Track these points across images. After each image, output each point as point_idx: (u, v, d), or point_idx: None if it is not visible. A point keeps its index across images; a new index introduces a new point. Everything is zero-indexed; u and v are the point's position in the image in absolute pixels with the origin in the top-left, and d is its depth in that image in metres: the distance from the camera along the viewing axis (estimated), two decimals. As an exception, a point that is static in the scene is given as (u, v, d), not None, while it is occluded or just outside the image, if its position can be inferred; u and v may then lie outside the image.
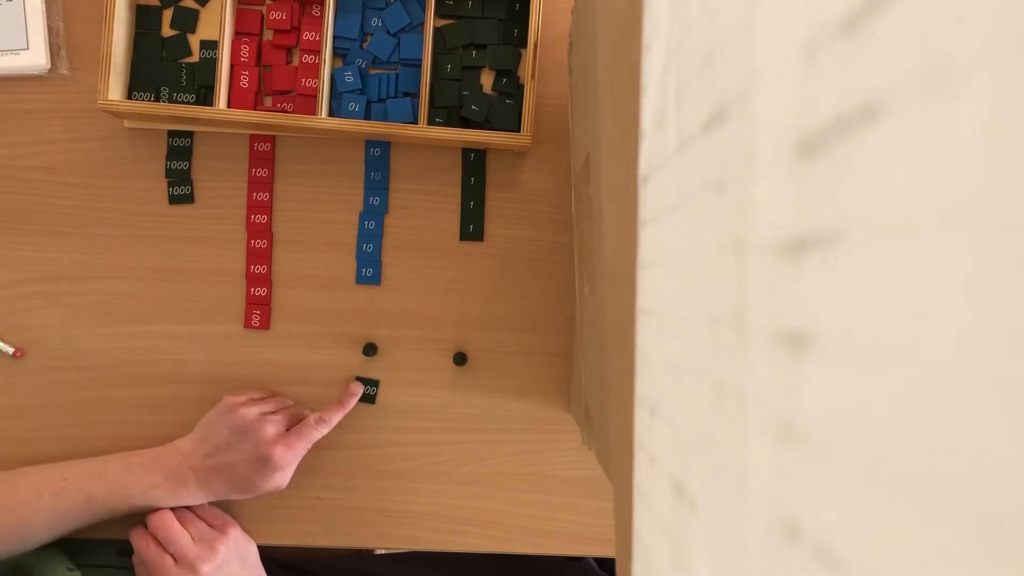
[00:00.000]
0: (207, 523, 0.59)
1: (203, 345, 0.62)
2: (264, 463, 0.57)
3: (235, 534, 0.59)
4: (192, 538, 0.57)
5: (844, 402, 0.12)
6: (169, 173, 0.61)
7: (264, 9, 0.61)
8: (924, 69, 0.10)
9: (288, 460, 0.57)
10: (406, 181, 0.63)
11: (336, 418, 0.60)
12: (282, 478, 0.58)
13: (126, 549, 0.62)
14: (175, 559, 0.56)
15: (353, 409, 0.63)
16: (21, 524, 0.55)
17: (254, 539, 0.61)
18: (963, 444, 0.09)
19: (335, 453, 0.63)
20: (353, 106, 0.59)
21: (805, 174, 0.13)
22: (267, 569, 0.62)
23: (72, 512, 0.56)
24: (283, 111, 0.60)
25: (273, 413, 0.59)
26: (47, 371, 0.61)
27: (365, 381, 0.62)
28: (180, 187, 0.62)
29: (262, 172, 0.62)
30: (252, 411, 0.58)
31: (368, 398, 0.63)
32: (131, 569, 0.61)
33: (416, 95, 0.60)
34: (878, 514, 0.11)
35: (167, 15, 0.61)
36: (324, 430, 0.59)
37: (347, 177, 0.62)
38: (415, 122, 0.59)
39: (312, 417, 0.59)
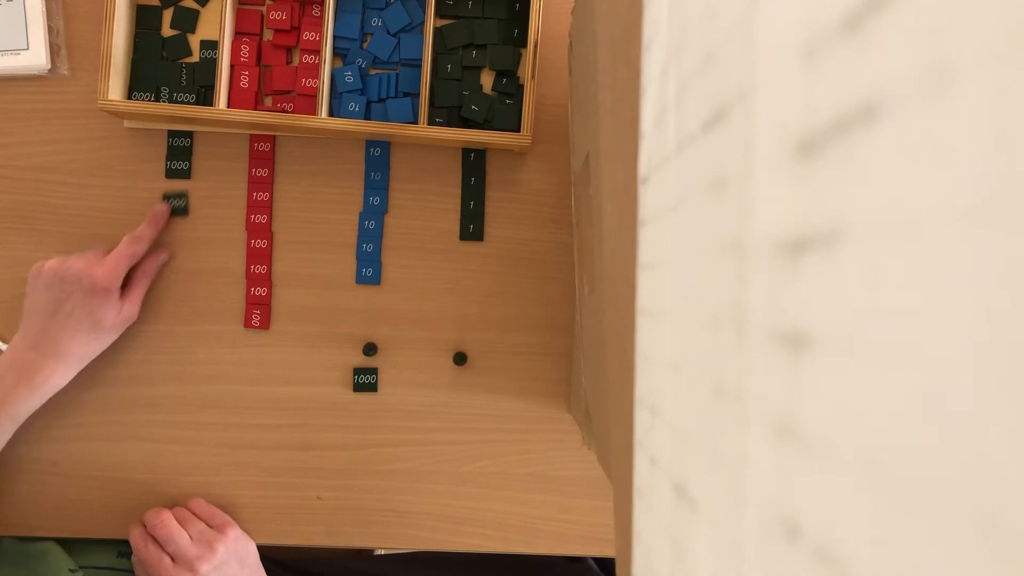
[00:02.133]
0: (206, 523, 0.59)
1: (203, 345, 0.62)
2: (92, 292, 0.55)
3: (234, 533, 0.59)
4: (191, 537, 0.57)
5: (844, 402, 0.12)
6: (169, 173, 0.61)
7: (264, 9, 0.61)
8: (924, 69, 0.10)
9: (113, 278, 0.56)
10: (406, 181, 0.63)
11: (148, 233, 0.59)
12: (124, 305, 0.57)
13: (126, 551, 0.62)
14: (173, 559, 0.56)
15: (353, 409, 0.63)
16: None
17: (253, 539, 0.61)
18: (963, 444, 0.09)
19: (335, 453, 0.63)
20: (353, 106, 0.59)
21: (805, 174, 0.13)
22: (267, 569, 0.62)
23: None
24: (283, 111, 0.60)
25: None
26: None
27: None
28: (178, 195, 0.62)
29: (262, 172, 0.62)
30: (53, 261, 0.57)
31: (368, 386, 0.62)
32: (132, 571, 0.61)
33: (416, 95, 0.60)
34: (878, 514, 0.11)
35: (167, 15, 0.61)
36: (139, 246, 0.58)
37: (347, 177, 0.62)
38: (415, 122, 0.59)
39: (128, 235, 0.58)
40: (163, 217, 0.60)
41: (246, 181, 0.62)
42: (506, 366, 0.63)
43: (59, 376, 0.56)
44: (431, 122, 0.60)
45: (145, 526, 0.58)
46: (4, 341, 0.61)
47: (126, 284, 0.59)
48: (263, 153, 0.62)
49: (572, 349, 0.63)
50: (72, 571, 0.59)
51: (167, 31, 0.61)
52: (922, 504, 0.10)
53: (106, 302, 0.56)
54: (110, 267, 0.56)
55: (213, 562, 0.56)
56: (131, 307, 0.58)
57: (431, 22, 0.59)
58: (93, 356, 0.58)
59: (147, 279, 0.59)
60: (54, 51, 0.60)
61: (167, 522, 0.57)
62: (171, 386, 0.62)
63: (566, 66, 0.61)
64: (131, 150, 0.62)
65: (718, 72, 0.18)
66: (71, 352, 0.56)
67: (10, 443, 0.61)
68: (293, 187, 0.62)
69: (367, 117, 0.60)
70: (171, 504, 0.61)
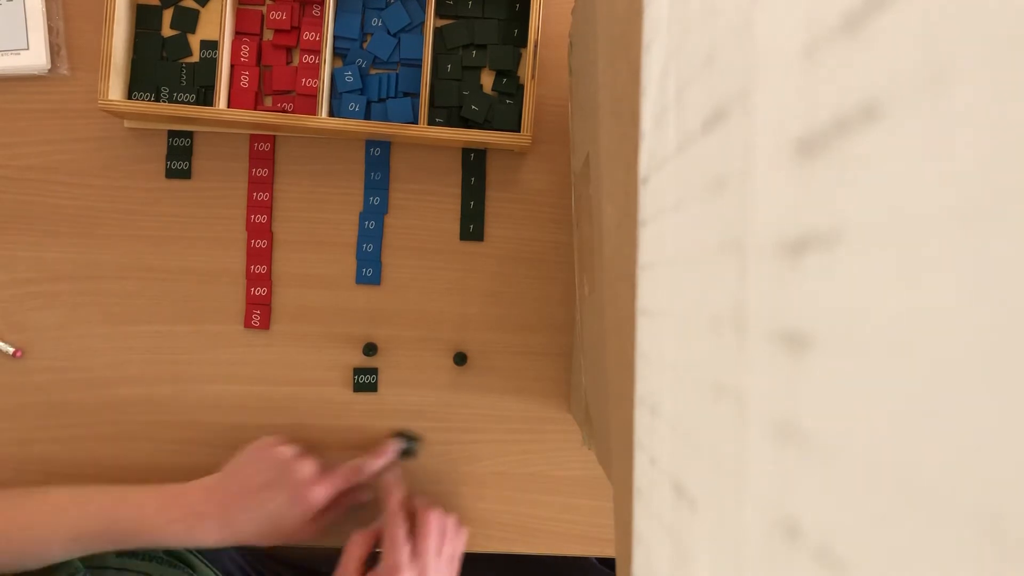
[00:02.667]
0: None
1: (203, 345, 0.62)
2: (299, 502, 0.55)
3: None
4: (438, 552, 0.57)
5: (844, 402, 0.12)
6: (169, 173, 0.61)
7: (264, 9, 0.61)
8: (924, 69, 0.10)
9: (321, 502, 0.55)
10: (406, 181, 0.63)
11: (370, 467, 0.58)
12: (314, 524, 0.56)
13: (124, 550, 0.62)
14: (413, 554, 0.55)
15: (353, 409, 0.63)
16: (40, 542, 0.54)
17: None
18: (963, 444, 0.09)
19: (335, 453, 0.63)
20: (353, 106, 0.59)
21: (805, 174, 0.13)
22: (270, 569, 0.62)
23: (91, 535, 0.54)
24: (283, 111, 0.60)
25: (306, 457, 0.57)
26: (47, 371, 0.61)
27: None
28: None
29: (262, 172, 0.62)
30: (288, 450, 0.57)
31: (368, 386, 0.62)
32: (131, 571, 0.61)
33: (416, 95, 0.60)
34: (878, 514, 0.11)
35: (167, 15, 0.61)
36: (357, 477, 0.58)
37: (347, 177, 0.62)
38: (415, 122, 0.59)
39: (352, 462, 0.58)
40: (390, 456, 0.59)
41: (246, 181, 0.62)
42: (506, 366, 0.63)
43: (212, 538, 0.55)
44: (431, 122, 0.60)
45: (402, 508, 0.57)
46: (4, 341, 0.61)
47: None
48: (263, 153, 0.62)
49: (572, 349, 0.63)
50: (78, 571, 0.59)
51: (167, 31, 0.61)
52: (922, 504, 0.10)
53: (303, 518, 0.55)
54: (325, 491, 0.56)
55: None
56: (313, 529, 0.57)
57: (431, 22, 0.59)
58: (248, 543, 0.56)
59: (338, 511, 0.59)
60: (54, 51, 0.60)
61: (432, 529, 0.56)
62: (171, 386, 0.62)
63: (566, 66, 0.61)
64: (131, 150, 0.62)
65: (718, 72, 0.18)
66: (240, 531, 0.55)
67: (10, 443, 0.61)
68: (293, 187, 0.62)
69: (367, 117, 0.60)
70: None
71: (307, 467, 0.56)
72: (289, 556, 0.67)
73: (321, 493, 0.55)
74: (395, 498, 0.58)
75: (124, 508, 0.55)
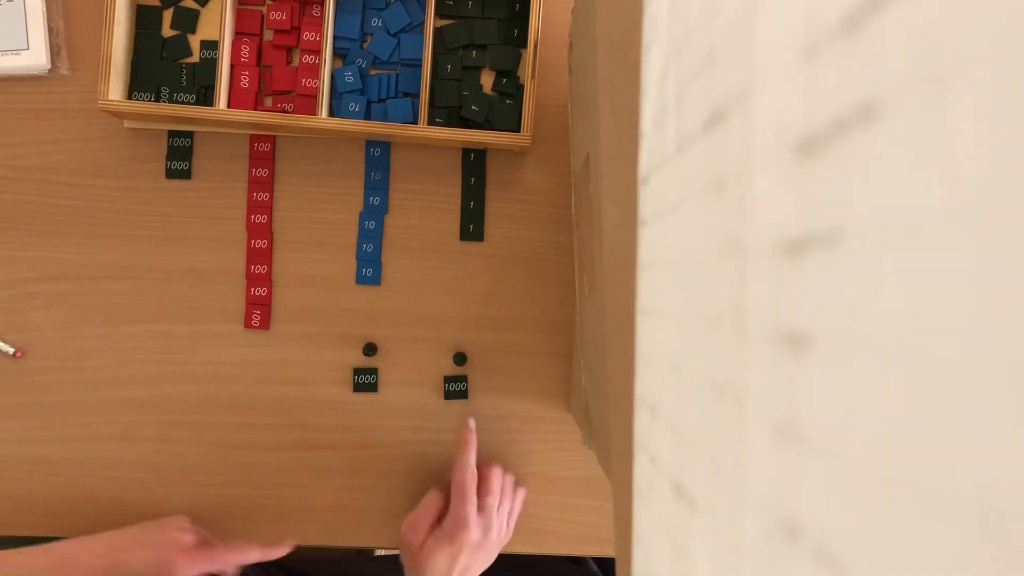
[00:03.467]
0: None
1: (203, 345, 0.62)
2: (163, 566, 0.54)
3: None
4: (497, 509, 0.58)
5: (844, 402, 0.12)
6: (169, 173, 0.62)
7: (264, 9, 0.61)
8: (923, 69, 0.10)
9: (188, 571, 0.54)
10: (406, 181, 0.63)
11: (249, 556, 0.57)
12: None
13: None
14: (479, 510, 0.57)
15: (353, 409, 0.63)
16: None
17: (255, 539, 0.61)
18: (963, 443, 0.09)
19: (335, 453, 0.63)
20: (353, 106, 0.59)
21: (805, 174, 0.13)
22: (266, 571, 0.62)
23: None
24: (283, 111, 0.60)
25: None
26: (47, 371, 0.61)
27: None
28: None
29: (262, 172, 0.62)
30: (184, 529, 0.56)
31: (368, 386, 0.62)
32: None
33: (416, 95, 0.60)
34: (878, 514, 0.11)
35: (167, 15, 0.61)
36: (233, 557, 0.56)
37: (347, 177, 0.62)
38: (415, 122, 0.59)
39: (234, 543, 0.57)
40: (279, 549, 0.59)
41: (246, 181, 0.62)
42: (506, 366, 0.63)
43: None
44: (431, 122, 0.60)
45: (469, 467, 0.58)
46: (4, 341, 0.61)
47: None
48: (263, 153, 0.62)
49: (572, 349, 0.63)
50: None
51: (167, 31, 0.61)
52: (922, 504, 0.10)
53: None
54: (193, 559, 0.55)
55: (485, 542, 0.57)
56: None
57: (431, 22, 0.59)
58: None
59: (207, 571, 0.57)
60: (54, 51, 0.60)
61: (495, 486, 0.58)
62: (171, 386, 0.62)
63: (566, 66, 0.61)
64: (131, 150, 0.62)
65: (718, 72, 0.18)
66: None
67: (9, 444, 0.61)
68: (293, 187, 0.62)
69: (367, 117, 0.60)
70: (176, 506, 0.61)
71: (186, 536, 0.56)
72: (284, 558, 0.67)
73: (188, 564, 0.54)
74: (468, 454, 0.58)
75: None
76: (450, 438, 0.63)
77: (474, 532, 0.56)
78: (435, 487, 0.59)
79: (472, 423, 0.61)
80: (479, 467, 0.59)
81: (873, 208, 0.11)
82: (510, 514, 0.60)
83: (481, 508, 0.57)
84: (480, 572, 0.58)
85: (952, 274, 0.09)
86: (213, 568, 0.56)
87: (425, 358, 0.63)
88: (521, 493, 0.61)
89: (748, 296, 0.16)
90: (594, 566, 0.76)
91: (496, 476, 0.58)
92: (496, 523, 0.57)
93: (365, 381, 0.62)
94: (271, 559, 0.59)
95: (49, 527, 0.62)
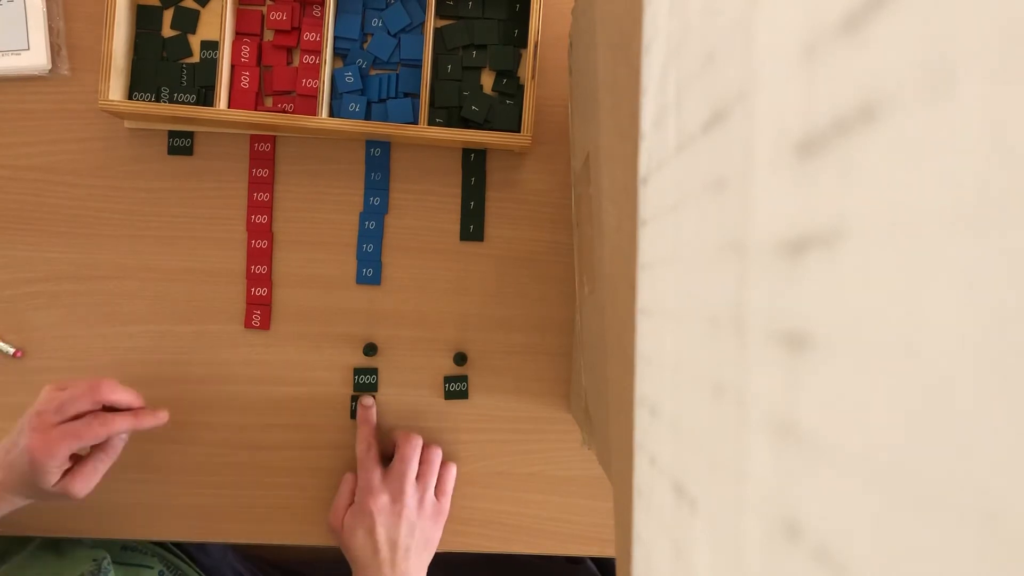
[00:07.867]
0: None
1: (203, 345, 0.62)
2: (23, 452, 0.50)
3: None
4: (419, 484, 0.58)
5: (844, 402, 0.12)
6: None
7: (264, 9, 0.61)
8: (924, 69, 0.10)
9: (45, 454, 0.49)
10: (406, 181, 0.63)
11: (117, 424, 0.52)
12: (53, 478, 0.50)
13: (129, 544, 0.62)
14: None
15: (352, 409, 0.63)
16: None
17: (254, 539, 0.62)
18: (963, 444, 0.09)
19: (335, 453, 0.63)
20: (353, 106, 0.59)
21: (805, 174, 0.13)
22: (261, 570, 0.62)
23: None
24: (283, 111, 0.60)
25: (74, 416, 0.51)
26: (47, 371, 0.61)
27: (360, 385, 0.62)
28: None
29: (262, 172, 0.62)
30: (51, 394, 0.51)
31: (368, 386, 0.62)
32: (130, 563, 0.61)
33: (416, 95, 0.60)
34: (878, 514, 0.11)
35: (168, 15, 0.61)
36: (100, 431, 0.51)
37: (347, 177, 0.62)
38: (415, 122, 0.59)
39: (92, 416, 0.52)
40: (149, 419, 0.54)
41: (246, 181, 0.62)
42: (506, 366, 0.63)
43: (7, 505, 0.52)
44: (431, 122, 0.60)
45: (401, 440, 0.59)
46: (4, 341, 0.61)
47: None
48: (263, 153, 0.62)
49: (572, 349, 0.63)
50: (94, 546, 0.59)
51: (167, 31, 0.61)
52: (922, 504, 0.10)
53: (36, 472, 0.50)
54: (51, 441, 0.50)
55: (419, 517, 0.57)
56: (76, 482, 0.52)
57: (431, 22, 0.59)
58: (21, 496, 0.53)
59: (96, 464, 0.53)
60: (55, 51, 0.60)
61: (407, 453, 0.58)
62: (171, 386, 0.62)
63: (566, 66, 0.61)
64: (131, 150, 0.62)
65: (718, 72, 0.18)
66: (13, 493, 0.52)
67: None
68: (293, 187, 0.62)
69: (367, 117, 0.60)
70: (168, 510, 0.61)
71: (44, 418, 0.50)
72: (281, 558, 0.67)
73: (41, 445, 0.49)
74: (362, 430, 0.60)
75: None
76: (450, 438, 0.63)
77: (380, 496, 0.56)
78: (349, 471, 0.60)
79: (369, 401, 0.61)
80: (397, 436, 0.60)
81: (873, 208, 0.11)
82: (439, 487, 0.60)
83: (389, 473, 0.57)
84: (425, 550, 0.58)
85: (952, 274, 0.09)
86: (81, 444, 0.51)
87: (425, 358, 0.63)
88: (452, 468, 0.61)
89: (748, 296, 0.16)
90: (592, 566, 0.76)
91: (411, 445, 0.59)
92: (412, 490, 0.57)
93: (365, 381, 0.62)
94: (146, 428, 0.54)
95: (49, 527, 0.62)
